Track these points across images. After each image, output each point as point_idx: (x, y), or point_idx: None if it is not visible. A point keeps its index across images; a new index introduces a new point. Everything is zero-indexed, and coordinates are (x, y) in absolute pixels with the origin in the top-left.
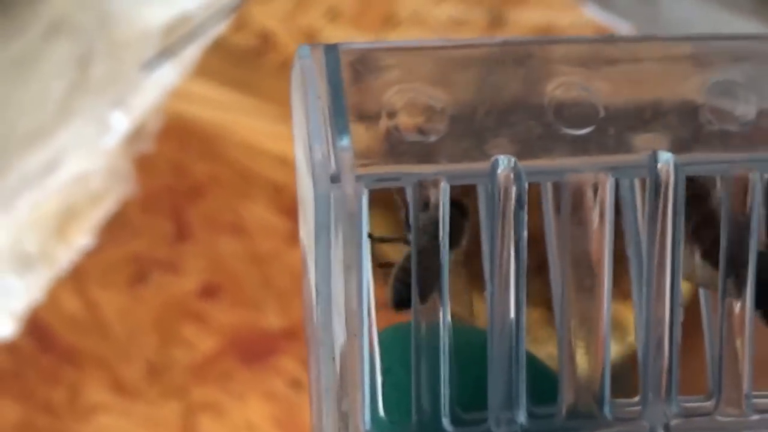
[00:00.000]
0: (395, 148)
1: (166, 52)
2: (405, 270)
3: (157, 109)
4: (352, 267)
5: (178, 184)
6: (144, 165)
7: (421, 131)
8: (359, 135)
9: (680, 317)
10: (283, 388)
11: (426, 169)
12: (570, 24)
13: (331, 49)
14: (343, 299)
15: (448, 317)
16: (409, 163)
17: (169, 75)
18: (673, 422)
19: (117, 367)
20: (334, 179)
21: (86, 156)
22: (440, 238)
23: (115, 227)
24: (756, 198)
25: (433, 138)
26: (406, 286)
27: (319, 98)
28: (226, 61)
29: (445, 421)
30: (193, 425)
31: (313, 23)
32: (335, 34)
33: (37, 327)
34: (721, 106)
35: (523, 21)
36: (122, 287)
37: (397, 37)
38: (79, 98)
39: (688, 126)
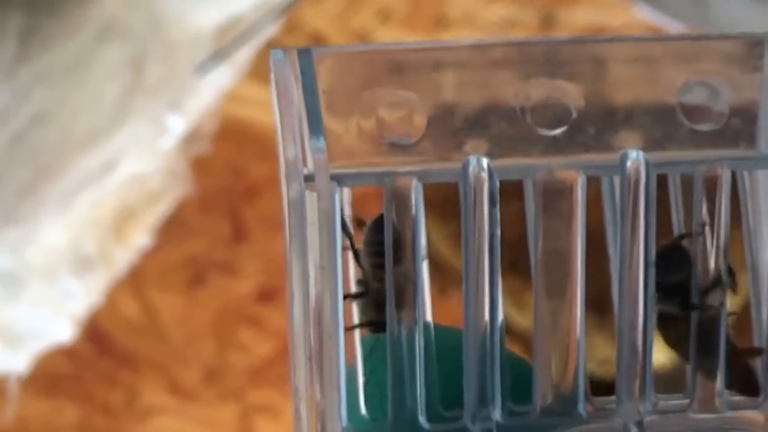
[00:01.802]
0: (370, 149)
1: (218, 55)
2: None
3: (212, 111)
4: (327, 267)
5: (234, 185)
6: (200, 166)
7: (395, 132)
8: (334, 136)
9: (653, 316)
10: None
11: (400, 169)
12: (622, 24)
13: (305, 53)
14: (318, 299)
15: (425, 317)
16: (383, 163)
17: (222, 77)
18: (647, 419)
19: (174, 370)
20: (309, 179)
21: (143, 157)
22: (413, 238)
23: (172, 228)
24: (725, 194)
25: (409, 139)
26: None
27: (292, 101)
28: None
29: (422, 419)
30: (250, 426)
31: (364, 24)
32: (387, 35)
33: (95, 331)
34: (695, 106)
35: (575, 21)
36: (180, 290)
37: (450, 38)
38: (134, 100)
39: (662, 125)
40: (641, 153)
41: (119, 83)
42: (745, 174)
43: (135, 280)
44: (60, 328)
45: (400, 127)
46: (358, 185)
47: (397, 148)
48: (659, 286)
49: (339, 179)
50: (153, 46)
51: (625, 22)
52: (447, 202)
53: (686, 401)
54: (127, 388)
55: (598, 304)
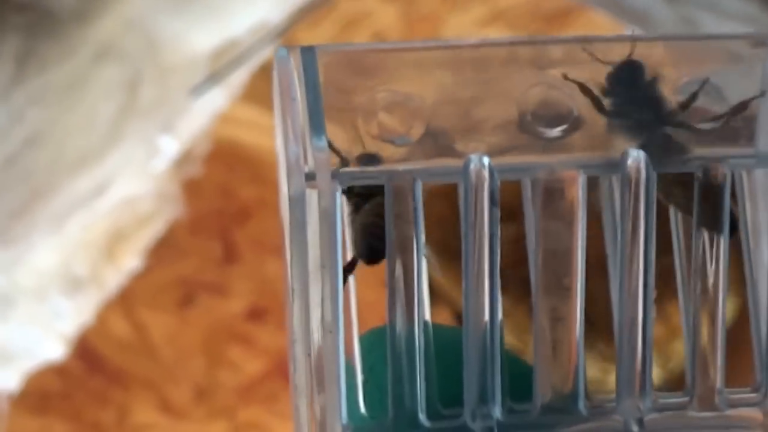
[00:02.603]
0: (371, 147)
1: (213, 77)
2: (374, 222)
3: (204, 133)
4: (328, 265)
5: (225, 207)
6: (192, 188)
7: (396, 131)
8: (336, 135)
9: (653, 313)
10: None
11: (401, 168)
12: None
13: (308, 51)
14: (319, 297)
15: (425, 314)
16: (384, 162)
17: (216, 99)
18: (647, 417)
19: (164, 388)
20: (309, 177)
21: (135, 179)
22: (416, 236)
23: (163, 250)
24: (727, 193)
25: (408, 138)
26: (378, 238)
27: (295, 99)
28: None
29: (422, 416)
30: None
31: None
32: None
33: (86, 349)
34: (696, 105)
35: None
36: (170, 309)
37: None
38: (127, 122)
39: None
40: (642, 152)
41: (113, 105)
42: (743, 173)
43: (125, 300)
44: (50, 347)
45: (401, 126)
46: (359, 184)
47: (398, 146)
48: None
49: (340, 178)
50: (148, 68)
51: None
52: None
53: (686, 399)
54: (117, 406)
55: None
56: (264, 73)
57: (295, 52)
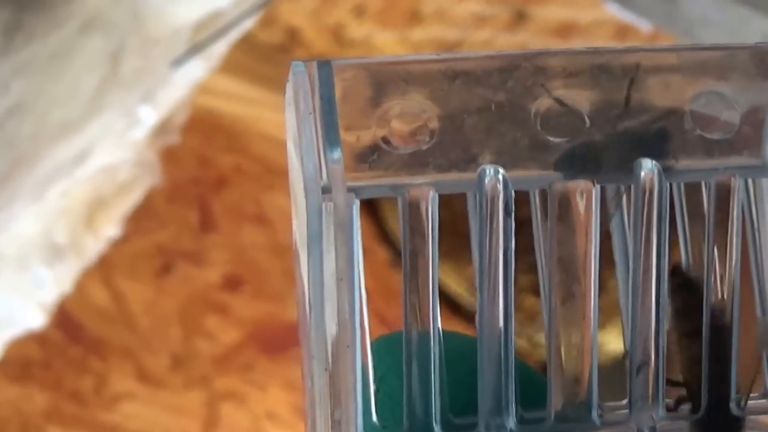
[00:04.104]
0: (385, 159)
1: (195, 48)
2: None
3: (184, 103)
4: (344, 278)
5: (203, 176)
6: (170, 157)
7: (410, 143)
8: (350, 147)
9: (666, 322)
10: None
11: (416, 180)
12: (592, 21)
13: (324, 65)
14: (336, 310)
15: (439, 324)
16: (399, 174)
17: (196, 70)
18: (660, 425)
19: (142, 357)
20: (326, 190)
21: (115, 148)
22: (429, 247)
23: (141, 218)
24: (737, 203)
25: (421, 149)
26: None
27: (311, 112)
28: (252, 57)
29: (436, 427)
30: (216, 413)
31: (339, 20)
32: (361, 30)
33: (65, 318)
34: (706, 115)
35: (546, 18)
36: (148, 279)
37: (422, 33)
38: (109, 92)
39: (673, 135)
40: (655, 162)
41: (96, 75)
42: (749, 182)
43: (104, 268)
44: (30, 316)
45: (414, 138)
46: (374, 196)
47: (411, 158)
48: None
49: (356, 190)
50: (132, 39)
51: (595, 18)
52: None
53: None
54: (95, 375)
55: None
56: (244, 44)
57: (311, 65)
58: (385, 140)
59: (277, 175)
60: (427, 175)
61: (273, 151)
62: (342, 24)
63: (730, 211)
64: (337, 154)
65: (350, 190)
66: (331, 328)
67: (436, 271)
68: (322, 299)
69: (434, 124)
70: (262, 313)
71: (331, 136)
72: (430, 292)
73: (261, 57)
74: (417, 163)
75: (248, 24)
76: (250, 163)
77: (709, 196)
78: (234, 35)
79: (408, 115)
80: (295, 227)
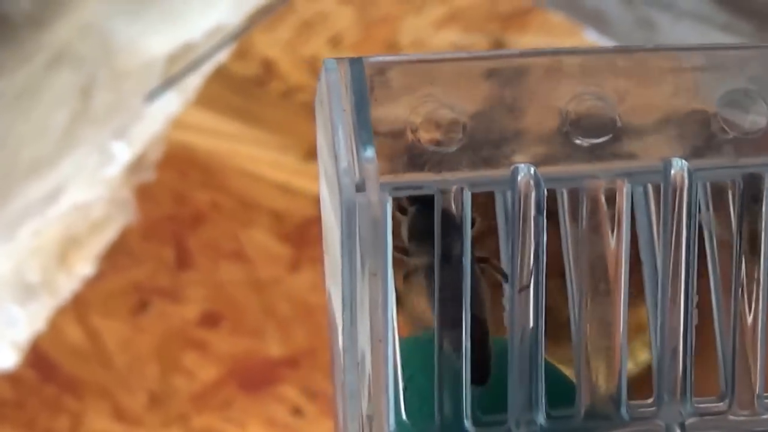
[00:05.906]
0: (417, 157)
1: (169, 82)
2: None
3: (158, 139)
4: (378, 274)
5: (179, 213)
6: (145, 194)
7: (441, 141)
8: (382, 145)
9: (695, 320)
10: (283, 416)
11: (448, 177)
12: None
13: (356, 62)
14: (368, 305)
15: (469, 323)
16: (431, 171)
17: (171, 104)
18: (688, 421)
19: (118, 396)
20: (359, 188)
21: (88, 185)
22: (463, 245)
23: (116, 256)
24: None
25: (453, 147)
26: None
27: (344, 110)
28: (227, 90)
29: (467, 423)
30: None
31: (315, 52)
32: None
33: (39, 357)
34: (733, 114)
35: (524, 46)
36: (123, 316)
37: None
38: (81, 128)
39: (701, 134)
40: (684, 161)
41: (67, 111)
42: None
43: (78, 306)
44: (3, 355)
45: (444, 135)
46: (407, 194)
47: (439, 155)
48: None
49: (389, 188)
50: (103, 73)
51: (573, 46)
52: None
53: (725, 403)
54: (71, 414)
55: (557, 333)
56: (218, 77)
57: (343, 63)
58: (417, 138)
59: (255, 210)
60: (460, 173)
61: (250, 186)
62: (318, 56)
63: (762, 206)
64: (370, 152)
65: (383, 187)
66: (364, 324)
67: (469, 269)
68: (354, 296)
69: (465, 123)
70: (240, 350)
71: (363, 135)
72: (464, 290)
73: (236, 89)
74: (449, 161)
75: (222, 56)
76: (226, 198)
77: (737, 192)
78: (208, 68)
79: (439, 114)
80: (324, 230)
